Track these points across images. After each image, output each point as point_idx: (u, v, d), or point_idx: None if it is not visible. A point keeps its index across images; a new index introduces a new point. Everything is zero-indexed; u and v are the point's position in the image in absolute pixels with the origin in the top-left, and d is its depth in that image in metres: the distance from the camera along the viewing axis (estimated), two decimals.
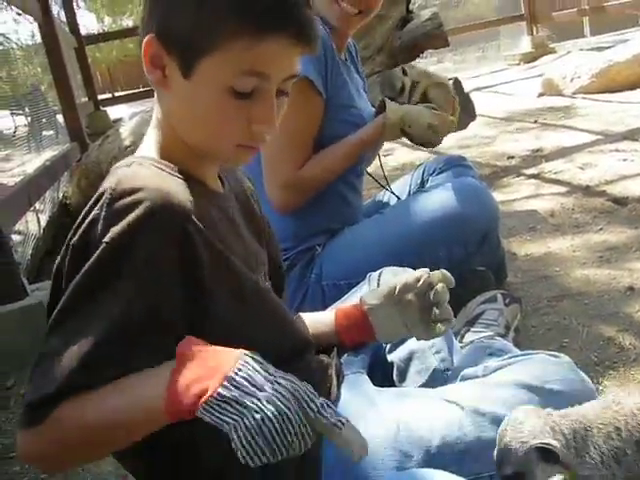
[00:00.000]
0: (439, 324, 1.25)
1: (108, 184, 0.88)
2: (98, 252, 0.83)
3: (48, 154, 4.96)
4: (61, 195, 4.66)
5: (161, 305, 0.85)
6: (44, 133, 5.86)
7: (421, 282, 1.27)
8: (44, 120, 5.98)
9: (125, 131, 4.35)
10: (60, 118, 5.57)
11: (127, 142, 4.21)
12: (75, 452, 0.85)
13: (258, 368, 0.75)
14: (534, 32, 9.00)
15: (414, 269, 1.66)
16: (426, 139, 1.89)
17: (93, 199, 0.88)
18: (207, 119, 0.94)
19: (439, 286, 1.25)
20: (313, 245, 1.90)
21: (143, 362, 0.82)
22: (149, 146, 1.00)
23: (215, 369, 0.76)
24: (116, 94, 11.55)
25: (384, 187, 2.18)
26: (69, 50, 6.45)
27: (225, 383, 0.73)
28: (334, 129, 1.85)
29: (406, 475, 0.83)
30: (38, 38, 5.26)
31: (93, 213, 0.86)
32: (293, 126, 1.76)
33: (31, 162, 4.72)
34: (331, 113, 1.82)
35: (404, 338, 1.39)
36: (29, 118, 6.22)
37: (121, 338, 0.82)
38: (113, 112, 7.48)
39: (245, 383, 0.73)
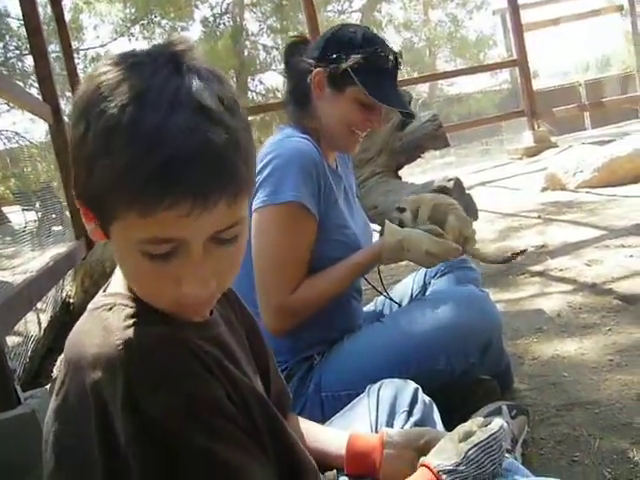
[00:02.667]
0: None
1: (112, 352, 0.82)
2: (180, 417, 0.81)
3: (55, 250, 4.98)
4: (64, 294, 4.64)
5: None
6: (53, 229, 5.92)
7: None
8: (54, 216, 6.05)
9: None
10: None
11: None
12: None
13: None
14: (535, 127, 9.18)
15: (414, 379, 1.62)
16: (425, 265, 1.87)
17: (100, 374, 0.81)
18: (133, 279, 0.88)
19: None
20: (312, 355, 1.85)
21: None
22: (121, 279, 0.94)
23: None
24: None
25: (383, 294, 2.14)
26: None
27: None
28: (326, 250, 1.82)
29: None
30: None
31: (122, 397, 0.79)
32: (285, 251, 1.76)
33: (37, 259, 4.73)
34: (323, 234, 1.80)
35: None
36: (39, 214, 6.30)
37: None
38: None
39: None
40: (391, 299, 2.12)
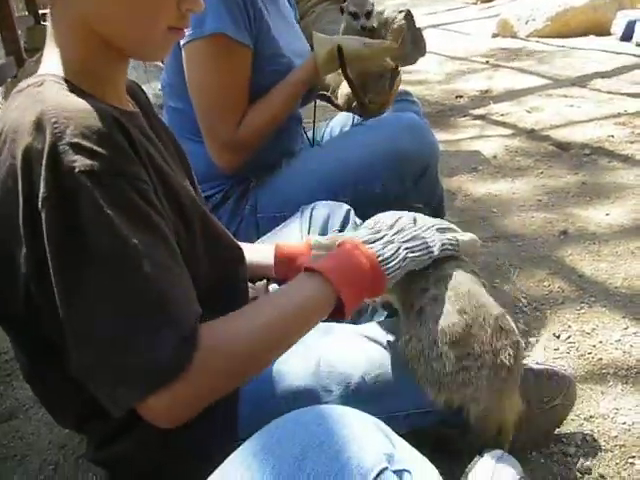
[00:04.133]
0: None
1: (42, 115, 0.80)
2: (99, 193, 0.78)
3: None
4: None
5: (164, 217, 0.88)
6: None
7: None
8: None
9: None
10: None
11: None
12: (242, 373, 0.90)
13: None
14: None
15: (350, 203, 1.65)
16: (359, 64, 1.77)
17: (29, 139, 0.79)
18: (142, 5, 0.89)
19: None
20: (248, 177, 1.84)
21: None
22: (55, 63, 0.91)
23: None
24: None
25: (306, 137, 2.05)
26: None
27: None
28: (263, 81, 1.73)
29: (313, 410, 0.82)
30: None
31: (45, 155, 0.78)
32: (224, 84, 1.67)
33: None
34: (258, 64, 1.70)
35: None
36: None
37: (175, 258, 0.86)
38: None
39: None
40: (312, 139, 2.04)
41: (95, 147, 0.79)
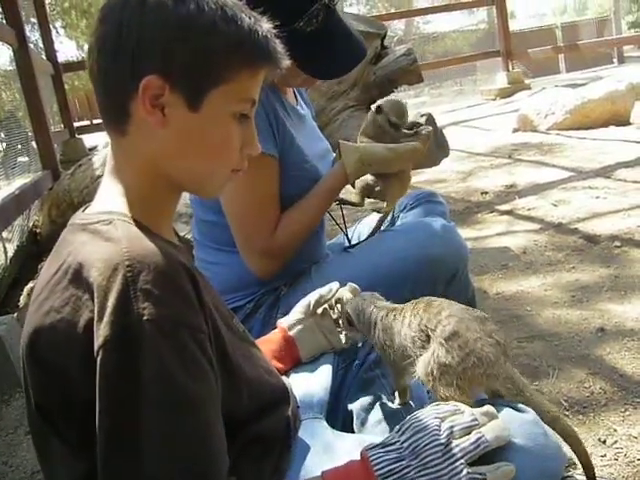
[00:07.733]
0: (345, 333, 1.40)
1: (116, 257, 0.82)
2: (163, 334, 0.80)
3: (21, 182, 4.90)
4: (31, 224, 4.58)
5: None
6: (19, 159, 5.80)
7: (332, 292, 1.41)
8: (19, 146, 5.93)
9: (98, 160, 4.30)
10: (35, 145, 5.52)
11: (99, 171, 4.15)
12: None
13: None
14: (510, 68, 9.13)
15: None
16: (386, 169, 1.82)
17: (100, 278, 0.81)
18: (214, 147, 0.97)
19: (345, 297, 1.41)
20: (279, 285, 1.86)
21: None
22: (117, 198, 0.95)
23: None
24: (94, 121, 11.46)
25: (342, 229, 2.10)
26: (45, 77, 6.41)
27: None
28: (290, 187, 1.78)
29: None
30: None
31: (115, 297, 0.79)
32: (257, 193, 1.71)
33: (3, 189, 4.64)
34: (283, 172, 1.76)
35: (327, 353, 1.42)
36: (4, 144, 6.15)
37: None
38: (91, 140, 7.43)
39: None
40: (346, 235, 2.09)
41: (165, 295, 0.81)
